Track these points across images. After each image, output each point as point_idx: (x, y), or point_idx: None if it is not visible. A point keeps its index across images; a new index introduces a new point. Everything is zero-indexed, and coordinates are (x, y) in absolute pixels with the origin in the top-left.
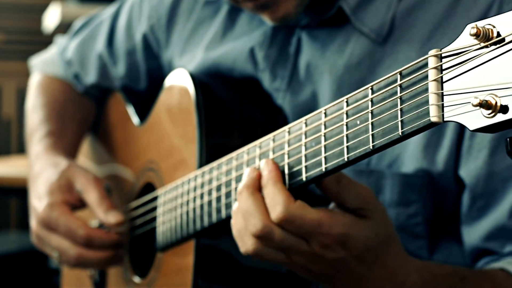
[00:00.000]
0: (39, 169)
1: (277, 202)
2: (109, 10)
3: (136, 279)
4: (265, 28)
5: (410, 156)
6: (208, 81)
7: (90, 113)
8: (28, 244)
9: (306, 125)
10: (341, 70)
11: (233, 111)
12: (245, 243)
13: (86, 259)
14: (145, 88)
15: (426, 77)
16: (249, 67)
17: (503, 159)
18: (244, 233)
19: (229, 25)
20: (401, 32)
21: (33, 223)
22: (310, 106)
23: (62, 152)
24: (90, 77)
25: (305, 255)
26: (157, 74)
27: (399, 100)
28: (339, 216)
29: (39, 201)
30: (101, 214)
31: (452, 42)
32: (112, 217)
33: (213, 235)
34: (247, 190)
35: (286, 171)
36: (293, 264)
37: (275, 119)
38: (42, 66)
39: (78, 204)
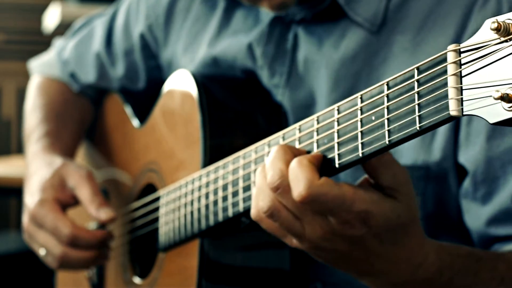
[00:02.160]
0: (35, 168)
1: (300, 178)
2: (107, 10)
3: (137, 280)
4: (261, 25)
5: (407, 147)
6: (210, 82)
7: (87, 114)
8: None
9: (318, 122)
10: (337, 64)
11: (235, 111)
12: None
13: (70, 258)
14: (143, 88)
15: (445, 71)
16: (249, 63)
17: (501, 143)
18: (259, 208)
19: (224, 22)
20: (394, 23)
21: (25, 219)
22: (309, 101)
23: (59, 152)
24: (89, 76)
25: (323, 229)
26: (155, 74)
27: (416, 95)
28: (362, 192)
29: (31, 197)
30: (93, 210)
31: (472, 36)
32: (104, 213)
33: (217, 234)
34: (262, 166)
35: None
36: (306, 235)
37: (277, 116)
38: (41, 68)
39: (70, 201)
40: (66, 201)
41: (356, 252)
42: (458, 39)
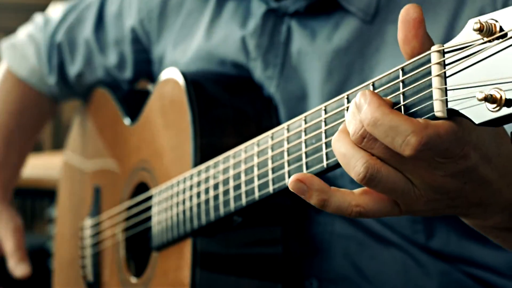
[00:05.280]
0: None
1: (405, 133)
2: None
3: (132, 279)
4: (254, 17)
5: None
6: (199, 79)
7: (44, 117)
8: (28, 244)
9: (306, 122)
10: (330, 56)
11: (225, 108)
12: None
13: None
14: (130, 78)
15: (429, 72)
16: (241, 57)
17: None
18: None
19: (216, 13)
20: (386, 13)
21: None
22: (302, 93)
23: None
24: (76, 65)
25: (432, 173)
26: (144, 67)
27: (401, 96)
28: (461, 118)
29: None
30: (12, 264)
31: (455, 37)
32: (19, 270)
33: (209, 233)
34: (341, 134)
35: (286, 168)
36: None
37: (267, 111)
38: (12, 59)
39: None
40: None
41: (469, 185)
42: (451, 28)
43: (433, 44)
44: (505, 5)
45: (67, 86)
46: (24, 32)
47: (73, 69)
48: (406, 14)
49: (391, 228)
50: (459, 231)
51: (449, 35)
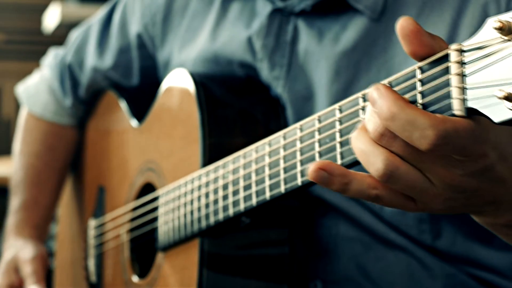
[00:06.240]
0: (6, 246)
1: (422, 126)
2: (101, 12)
3: (136, 279)
4: (260, 17)
5: None
6: (207, 80)
7: (71, 149)
8: None
9: (320, 122)
10: (337, 56)
11: (233, 109)
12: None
13: None
14: (136, 84)
15: (447, 71)
16: (248, 57)
17: None
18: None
19: (222, 14)
20: (393, 12)
21: None
22: (309, 93)
23: (29, 229)
24: (83, 83)
25: (451, 171)
26: (150, 72)
27: (419, 94)
28: (479, 117)
29: None
30: (27, 286)
31: (474, 35)
32: None
33: (217, 234)
34: (360, 132)
35: (299, 168)
36: (435, 183)
37: (275, 111)
38: (27, 99)
39: (22, 285)
40: (20, 285)
41: (485, 184)
42: (455, 25)
43: (444, 42)
44: (508, 1)
45: (83, 103)
46: (37, 74)
47: (82, 88)
48: (401, 30)
49: (396, 229)
50: (465, 232)
51: (453, 32)
